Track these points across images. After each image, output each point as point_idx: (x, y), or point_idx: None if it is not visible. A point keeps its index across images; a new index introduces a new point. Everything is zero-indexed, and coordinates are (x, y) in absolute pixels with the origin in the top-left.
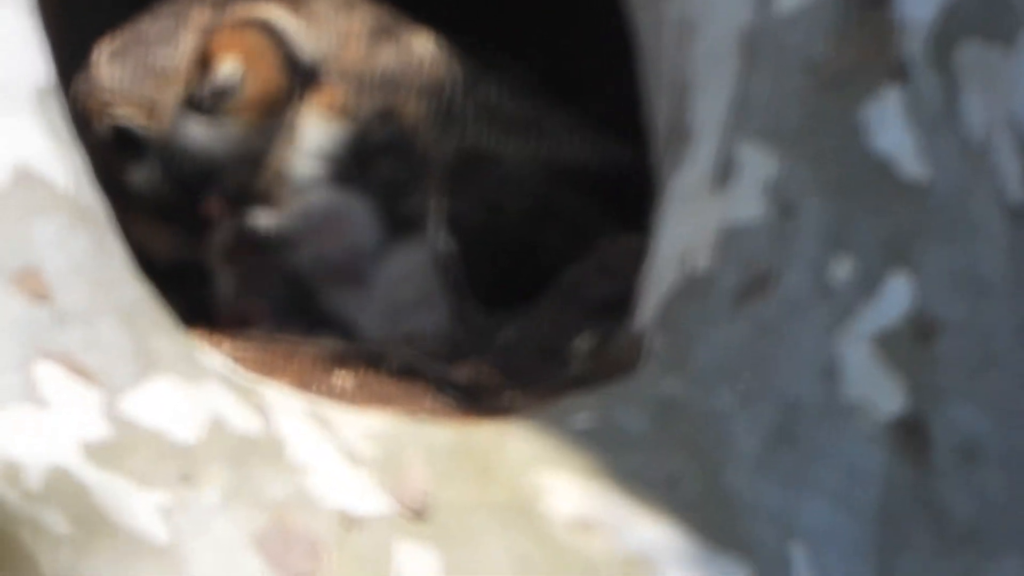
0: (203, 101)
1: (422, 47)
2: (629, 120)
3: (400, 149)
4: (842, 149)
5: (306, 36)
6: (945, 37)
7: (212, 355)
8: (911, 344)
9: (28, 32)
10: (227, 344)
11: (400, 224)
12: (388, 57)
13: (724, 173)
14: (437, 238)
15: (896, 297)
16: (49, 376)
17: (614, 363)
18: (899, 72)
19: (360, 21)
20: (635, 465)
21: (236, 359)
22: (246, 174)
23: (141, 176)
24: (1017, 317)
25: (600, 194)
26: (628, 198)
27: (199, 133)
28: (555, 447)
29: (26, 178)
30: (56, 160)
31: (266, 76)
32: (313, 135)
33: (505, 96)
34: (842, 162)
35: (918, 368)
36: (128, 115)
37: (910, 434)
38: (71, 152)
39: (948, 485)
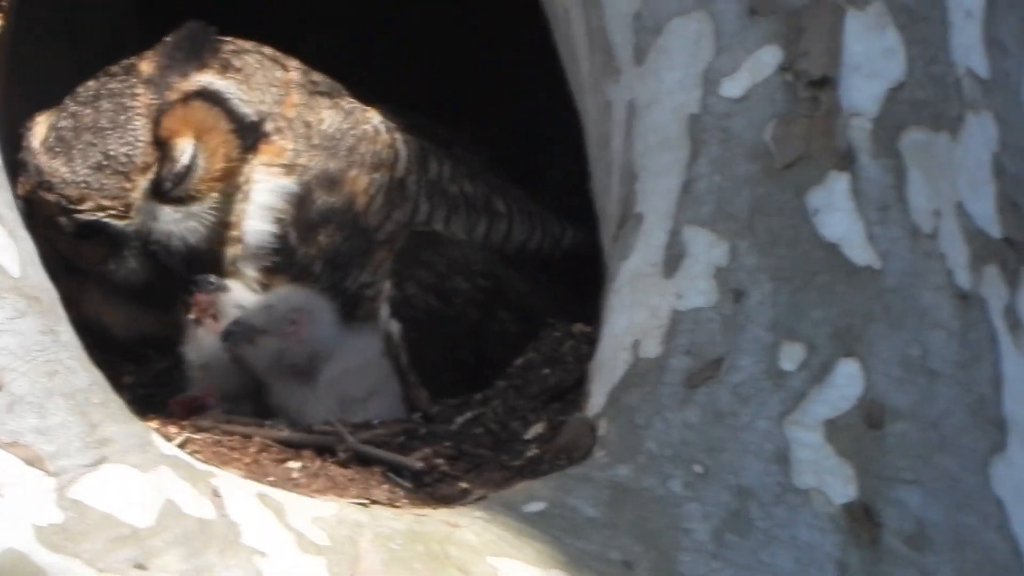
0: (169, 188)
1: (371, 121)
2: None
3: (344, 219)
4: (791, 235)
5: (244, 94)
6: (891, 125)
7: (165, 442)
8: (861, 430)
9: None
10: (180, 432)
11: (349, 312)
12: (331, 117)
13: (674, 259)
14: (388, 324)
15: (846, 384)
16: (1, 462)
17: (566, 450)
18: (846, 159)
19: (292, 72)
20: (589, 551)
21: (190, 446)
22: (216, 240)
23: (120, 266)
24: (968, 400)
25: (552, 277)
26: (581, 280)
27: (175, 221)
28: (508, 533)
29: None
30: (6, 246)
31: (220, 147)
32: (262, 189)
33: (456, 175)
34: (791, 248)
35: (868, 454)
36: (98, 211)
37: (861, 519)
38: (20, 239)
39: (899, 569)
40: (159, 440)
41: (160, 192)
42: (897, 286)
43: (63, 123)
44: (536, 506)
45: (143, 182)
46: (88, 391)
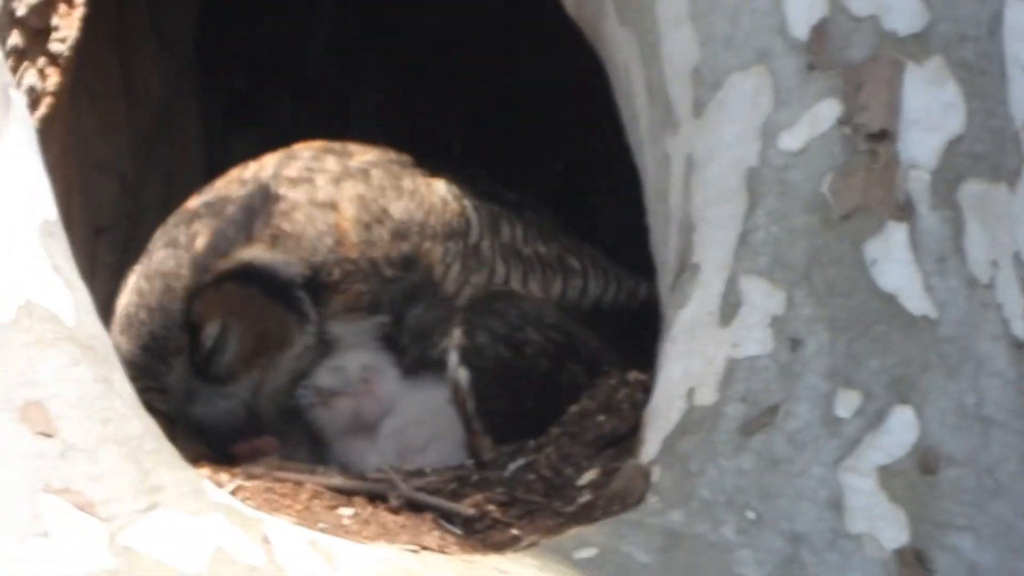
0: (205, 370)
1: (437, 193)
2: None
3: (424, 291)
4: (848, 285)
5: (290, 257)
6: (949, 177)
7: (216, 489)
8: (915, 476)
9: (32, 171)
10: (231, 478)
11: (416, 363)
12: (397, 208)
13: (731, 308)
14: (456, 372)
15: (901, 431)
16: (54, 509)
17: (619, 496)
18: (904, 210)
19: (344, 205)
20: None
21: (241, 493)
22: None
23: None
24: (1023, 447)
25: (625, 329)
26: (649, 331)
27: (213, 403)
28: None
29: (31, 314)
30: (60, 296)
31: (256, 324)
32: (348, 334)
33: (529, 236)
34: (848, 298)
35: (921, 500)
36: (146, 391)
37: (913, 565)
38: (75, 287)
39: None
40: (210, 487)
41: (198, 375)
42: (953, 335)
43: (130, 298)
44: (587, 552)
45: (178, 365)
46: (141, 438)
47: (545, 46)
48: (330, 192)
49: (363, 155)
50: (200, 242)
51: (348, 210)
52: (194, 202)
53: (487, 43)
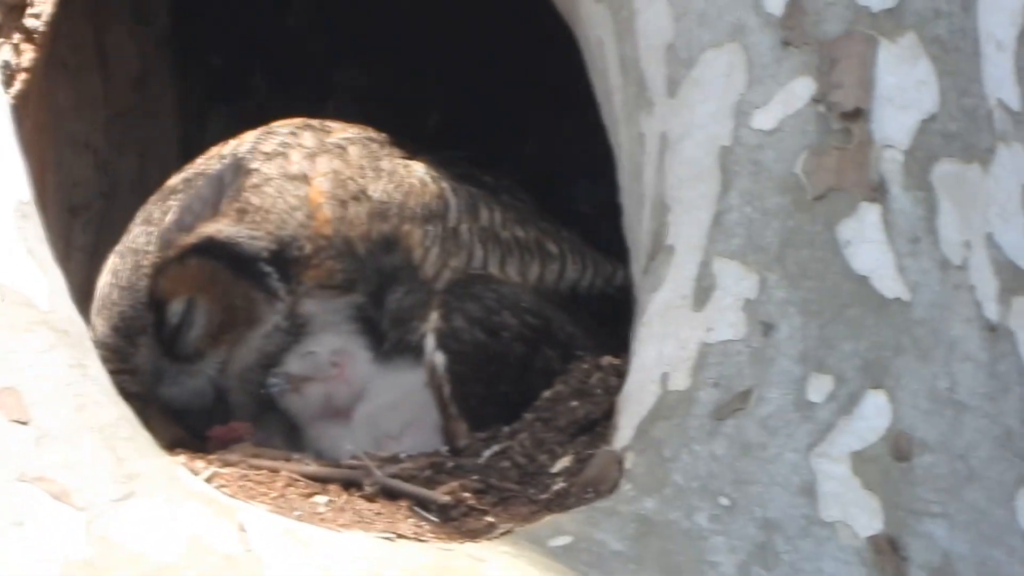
0: (172, 348)
1: (417, 173)
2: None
3: (404, 274)
4: (820, 267)
5: (256, 231)
6: (923, 156)
7: (192, 477)
8: (888, 462)
9: (6, 150)
10: (207, 466)
11: (393, 348)
12: (375, 188)
13: (704, 292)
14: (432, 355)
15: (874, 416)
16: (29, 497)
17: (592, 483)
18: (877, 190)
19: (319, 180)
20: None
21: (217, 481)
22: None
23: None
24: (995, 432)
25: (602, 314)
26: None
27: (180, 382)
28: (534, 568)
29: (5, 298)
30: (34, 279)
31: (222, 299)
32: (321, 313)
33: (507, 220)
34: (820, 280)
35: (895, 486)
36: (116, 373)
37: (886, 552)
38: (49, 271)
39: None
40: (186, 475)
41: (168, 354)
42: (926, 318)
43: (106, 278)
44: (562, 540)
45: (144, 345)
46: (116, 425)
47: (523, 25)
48: (304, 166)
49: (342, 132)
50: (169, 218)
51: (322, 184)
52: (175, 179)
53: (466, 21)
